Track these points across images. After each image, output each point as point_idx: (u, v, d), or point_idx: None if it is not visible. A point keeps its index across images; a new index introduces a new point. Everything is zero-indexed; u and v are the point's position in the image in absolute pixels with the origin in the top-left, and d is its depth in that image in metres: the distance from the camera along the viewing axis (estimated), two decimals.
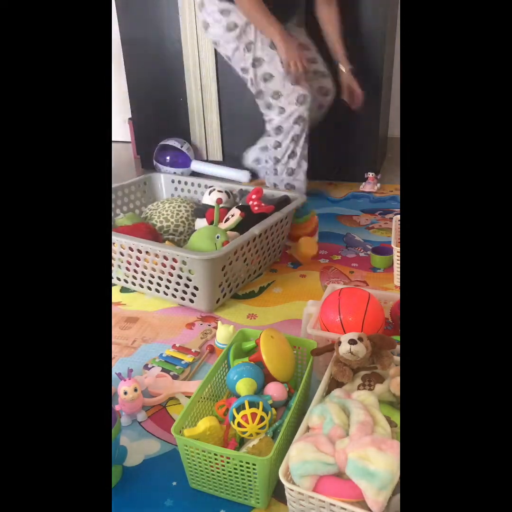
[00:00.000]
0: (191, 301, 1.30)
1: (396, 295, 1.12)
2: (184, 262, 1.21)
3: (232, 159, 2.48)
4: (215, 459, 0.74)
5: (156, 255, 1.25)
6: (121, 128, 3.17)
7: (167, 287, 1.32)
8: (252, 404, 0.80)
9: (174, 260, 1.22)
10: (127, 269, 1.37)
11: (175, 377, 1.06)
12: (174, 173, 2.33)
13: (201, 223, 1.56)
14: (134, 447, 0.90)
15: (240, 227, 1.35)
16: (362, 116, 1.98)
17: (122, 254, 1.33)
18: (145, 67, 2.42)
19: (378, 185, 2.14)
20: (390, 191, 2.14)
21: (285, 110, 1.65)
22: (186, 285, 1.27)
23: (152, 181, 1.85)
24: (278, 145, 1.73)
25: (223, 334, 1.09)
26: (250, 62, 1.60)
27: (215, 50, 2.26)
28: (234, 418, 0.79)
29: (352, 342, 0.83)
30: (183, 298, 1.31)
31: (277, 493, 0.79)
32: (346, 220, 1.88)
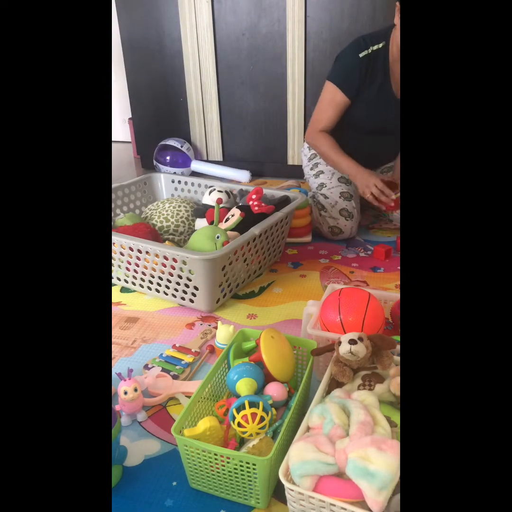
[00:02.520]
0: (191, 301, 1.30)
1: (396, 295, 1.12)
2: (184, 262, 1.21)
3: (232, 159, 2.48)
4: (215, 459, 0.74)
5: (156, 255, 1.25)
6: (121, 128, 3.17)
7: (167, 287, 1.32)
8: (252, 404, 0.80)
9: (174, 260, 1.22)
10: (127, 269, 1.37)
11: (175, 377, 1.06)
12: (174, 173, 2.33)
13: (201, 223, 1.56)
14: (134, 447, 0.90)
15: (240, 227, 1.35)
16: None
17: (122, 254, 1.33)
18: (145, 67, 2.42)
19: None
20: None
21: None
22: (186, 285, 1.27)
23: (152, 181, 1.85)
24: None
25: (223, 334, 1.09)
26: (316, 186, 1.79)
27: (215, 50, 2.27)
28: (234, 418, 0.79)
29: (352, 342, 0.83)
30: (183, 298, 1.31)
31: (277, 493, 0.79)
32: None
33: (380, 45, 1.51)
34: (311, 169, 1.80)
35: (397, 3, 1.39)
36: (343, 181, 1.72)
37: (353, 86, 1.55)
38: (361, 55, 1.51)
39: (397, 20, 1.42)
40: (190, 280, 1.25)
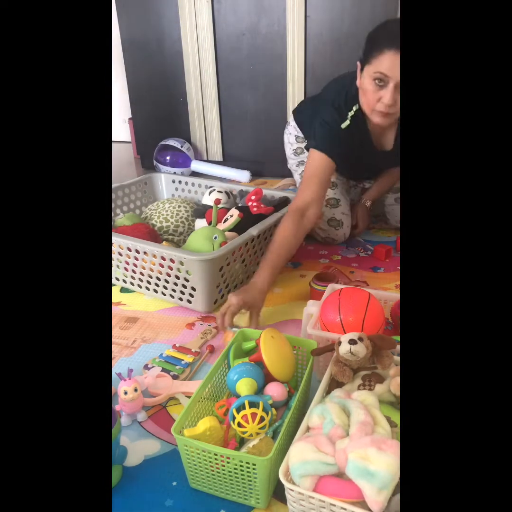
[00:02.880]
0: (189, 301, 1.30)
1: (396, 295, 1.12)
2: (181, 263, 1.21)
3: (232, 159, 2.48)
4: (215, 459, 0.74)
5: (154, 256, 1.25)
6: (121, 128, 3.17)
7: (166, 287, 1.32)
8: (252, 404, 0.80)
9: (172, 260, 1.22)
10: (126, 269, 1.37)
11: (175, 377, 1.06)
12: (174, 173, 2.33)
13: (201, 223, 1.56)
14: (134, 447, 0.90)
15: (239, 228, 1.35)
16: None
17: (120, 255, 1.33)
18: (145, 67, 2.42)
19: None
20: None
21: None
22: (184, 286, 1.27)
23: (153, 181, 1.85)
24: None
25: (242, 319, 1.17)
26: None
27: (215, 50, 2.26)
28: (234, 418, 0.79)
29: (352, 342, 0.83)
30: (181, 299, 1.31)
31: (277, 493, 0.79)
32: None
33: (354, 110, 1.42)
34: (297, 166, 1.78)
35: (358, 63, 1.29)
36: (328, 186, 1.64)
37: (339, 152, 1.43)
38: (343, 126, 1.43)
39: (360, 83, 1.30)
40: (187, 281, 1.25)
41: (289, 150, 1.84)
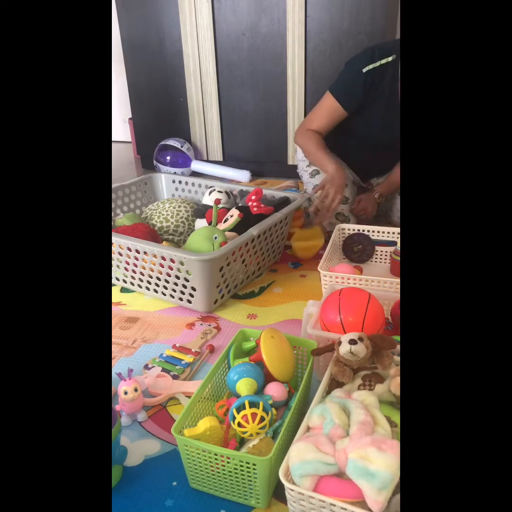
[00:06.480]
0: (189, 301, 1.30)
1: (396, 295, 1.12)
2: (181, 263, 1.21)
3: (232, 159, 2.48)
4: (215, 459, 0.74)
5: (154, 256, 1.25)
6: (121, 128, 3.17)
7: (166, 287, 1.32)
8: (252, 404, 0.80)
9: (172, 260, 1.22)
10: (126, 269, 1.37)
11: (175, 377, 1.06)
12: (175, 173, 2.33)
13: (201, 223, 1.56)
14: (134, 447, 0.90)
15: (239, 228, 1.35)
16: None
17: (120, 254, 1.33)
18: (145, 67, 2.42)
19: None
20: None
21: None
22: (184, 286, 1.27)
23: (153, 181, 1.85)
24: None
25: None
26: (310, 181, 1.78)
27: (215, 50, 2.26)
28: (234, 418, 0.79)
29: (352, 342, 0.83)
30: (181, 299, 1.31)
31: (277, 493, 0.79)
32: None
33: (390, 59, 1.47)
34: (308, 166, 1.77)
35: None
36: None
37: (352, 101, 1.52)
38: (365, 70, 1.47)
39: None
40: (187, 281, 1.25)
41: (300, 155, 1.83)
